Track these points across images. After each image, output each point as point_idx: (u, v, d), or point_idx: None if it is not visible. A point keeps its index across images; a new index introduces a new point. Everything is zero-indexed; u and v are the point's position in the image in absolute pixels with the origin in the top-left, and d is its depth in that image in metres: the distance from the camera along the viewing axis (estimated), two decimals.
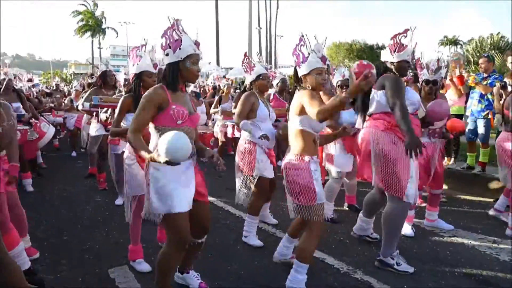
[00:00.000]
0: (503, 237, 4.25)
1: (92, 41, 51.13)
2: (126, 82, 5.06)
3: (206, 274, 3.37)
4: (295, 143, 3.04)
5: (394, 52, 3.52)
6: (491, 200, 5.41)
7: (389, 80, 3.46)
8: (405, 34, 3.51)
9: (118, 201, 5.42)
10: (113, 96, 5.32)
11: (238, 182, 4.17)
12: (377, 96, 3.52)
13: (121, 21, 57.62)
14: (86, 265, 3.62)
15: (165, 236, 3.83)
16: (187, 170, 2.72)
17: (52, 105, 10.03)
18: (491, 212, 4.93)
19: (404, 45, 3.50)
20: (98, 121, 5.94)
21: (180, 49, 2.64)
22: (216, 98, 8.87)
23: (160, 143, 2.34)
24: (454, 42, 47.97)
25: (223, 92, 8.84)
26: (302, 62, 3.01)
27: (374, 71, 3.64)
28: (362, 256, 3.80)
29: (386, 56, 3.59)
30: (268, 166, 4.05)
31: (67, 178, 7.07)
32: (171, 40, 2.65)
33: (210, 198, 5.58)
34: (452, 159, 6.87)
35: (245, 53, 4.51)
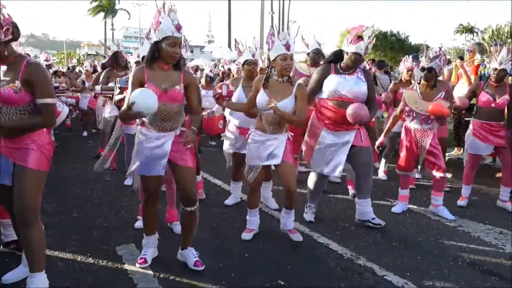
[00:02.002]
0: (510, 228, 4.24)
1: (105, 22, 51.16)
2: (135, 64, 5.10)
3: (210, 255, 3.43)
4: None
5: (350, 44, 3.87)
6: (498, 190, 5.37)
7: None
8: (358, 30, 3.87)
9: (127, 182, 5.49)
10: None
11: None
12: None
13: (134, 3, 57.29)
14: (95, 242, 3.69)
15: (174, 217, 3.96)
16: (165, 142, 3.03)
17: (64, 85, 10.11)
18: (498, 203, 4.92)
19: (357, 40, 3.83)
20: (113, 102, 6.01)
21: (158, 30, 2.88)
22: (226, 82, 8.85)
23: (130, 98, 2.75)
24: (470, 30, 47.09)
25: (233, 76, 8.82)
26: (271, 49, 3.51)
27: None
28: (366, 243, 3.82)
29: (343, 45, 3.98)
30: (236, 141, 4.51)
31: (78, 157, 7.17)
32: (154, 22, 2.92)
33: (217, 182, 5.68)
34: (462, 149, 6.81)
35: (235, 39, 4.65)
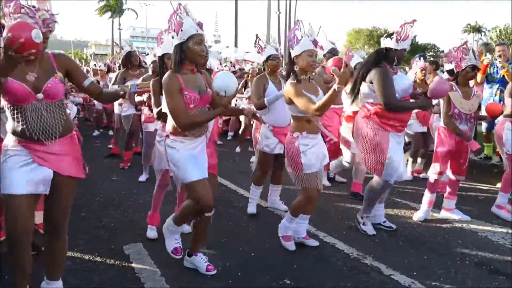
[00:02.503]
0: None
1: (112, 22, 51.41)
2: (152, 64, 5.15)
3: (217, 254, 3.45)
4: (293, 123, 3.50)
5: (400, 41, 3.69)
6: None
7: (377, 75, 3.70)
8: (412, 25, 3.69)
9: (141, 178, 5.67)
10: (141, 77, 5.34)
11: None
12: (363, 88, 3.83)
13: (141, 2, 57.51)
14: (102, 241, 3.72)
15: None
16: (199, 145, 2.96)
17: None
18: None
19: (408, 35, 3.70)
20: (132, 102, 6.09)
21: (182, 30, 2.76)
22: (242, 82, 8.80)
23: (216, 88, 2.79)
24: (478, 29, 46.73)
25: (248, 76, 8.79)
26: (295, 44, 3.33)
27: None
28: (373, 242, 3.82)
29: (390, 44, 3.75)
30: (271, 142, 4.28)
31: (85, 157, 7.06)
32: (175, 23, 2.78)
33: (224, 181, 5.69)
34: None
35: (256, 35, 4.61)
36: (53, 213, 2.53)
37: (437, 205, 4.76)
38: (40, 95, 2.33)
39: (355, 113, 4.36)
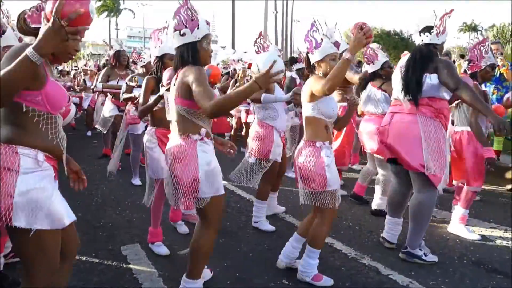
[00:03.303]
0: None
1: (110, 22, 51.34)
2: (144, 63, 5.10)
3: (214, 255, 3.42)
4: (308, 130, 3.01)
5: (440, 34, 3.36)
6: (504, 189, 5.37)
7: (444, 63, 3.29)
8: (450, 15, 3.36)
9: (135, 182, 5.63)
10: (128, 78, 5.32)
11: (246, 165, 4.04)
12: (430, 80, 3.29)
13: (138, 2, 57.37)
14: (100, 242, 3.71)
15: (178, 216, 3.95)
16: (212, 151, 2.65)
17: (70, 84, 10.24)
18: None
19: (446, 27, 3.38)
20: (112, 101, 6.06)
21: (198, 28, 2.53)
22: (232, 81, 8.84)
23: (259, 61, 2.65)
24: (474, 28, 46.82)
25: (238, 76, 8.80)
26: (315, 48, 2.95)
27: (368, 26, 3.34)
28: (371, 242, 3.82)
29: (432, 39, 3.37)
30: (281, 151, 4.06)
31: (82, 157, 7.17)
32: (186, 19, 2.53)
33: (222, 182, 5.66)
34: None
35: (260, 32, 4.52)
36: (73, 234, 2.18)
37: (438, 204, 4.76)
38: (61, 109, 1.94)
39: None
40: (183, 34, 2.52)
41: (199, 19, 2.55)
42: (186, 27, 2.53)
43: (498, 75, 6.14)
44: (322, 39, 2.92)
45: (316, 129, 2.96)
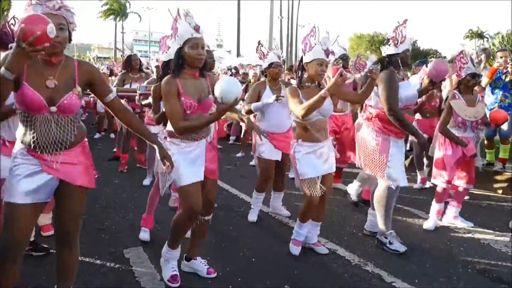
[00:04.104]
0: None
1: (116, 25, 51.65)
2: (155, 68, 5.19)
3: (217, 259, 3.43)
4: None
5: (398, 44, 3.68)
6: (509, 197, 5.33)
7: (383, 78, 3.60)
8: (405, 25, 3.69)
9: (146, 182, 5.71)
10: (146, 82, 5.37)
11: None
12: (376, 90, 3.70)
13: (144, 6, 57.76)
14: (103, 244, 3.71)
15: None
16: (196, 149, 2.90)
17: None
18: None
19: (405, 36, 3.68)
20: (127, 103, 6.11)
21: (178, 36, 2.77)
22: (243, 86, 8.86)
23: (216, 93, 2.66)
24: (480, 35, 46.76)
25: (250, 81, 8.81)
26: (308, 51, 3.31)
27: (348, 75, 3.83)
28: (374, 249, 3.80)
29: (390, 50, 3.72)
30: (268, 148, 4.27)
31: None
32: (174, 30, 2.81)
33: (225, 186, 5.68)
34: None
35: (259, 41, 4.62)
36: (64, 224, 2.41)
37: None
38: (53, 108, 2.18)
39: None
40: (173, 43, 2.87)
41: (179, 26, 2.77)
42: (173, 37, 2.84)
43: (504, 82, 6.10)
44: (315, 44, 3.29)
45: (298, 130, 3.46)
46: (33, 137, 2.19)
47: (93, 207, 4.70)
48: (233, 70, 11.19)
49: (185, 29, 2.74)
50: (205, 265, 3.18)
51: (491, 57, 6.66)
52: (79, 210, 2.43)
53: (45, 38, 1.88)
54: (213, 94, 2.81)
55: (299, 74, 3.46)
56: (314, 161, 3.41)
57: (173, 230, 3.00)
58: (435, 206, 4.42)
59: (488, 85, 6.22)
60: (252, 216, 4.45)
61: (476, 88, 6.26)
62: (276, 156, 4.30)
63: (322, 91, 3.00)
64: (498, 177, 5.98)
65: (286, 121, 4.33)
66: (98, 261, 3.36)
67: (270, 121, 4.30)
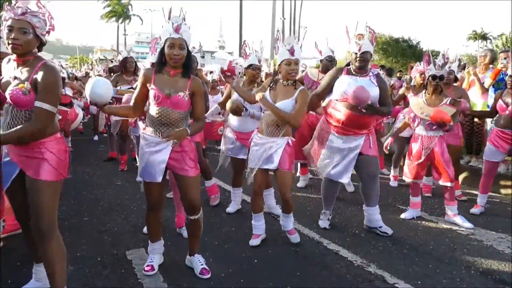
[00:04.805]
0: None
1: (118, 28, 51.77)
2: None
3: (219, 260, 3.43)
4: None
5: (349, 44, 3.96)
6: None
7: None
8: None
9: (139, 178, 5.63)
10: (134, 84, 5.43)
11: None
12: None
13: (146, 8, 57.82)
14: (105, 246, 3.71)
15: (183, 221, 3.96)
16: (162, 148, 2.99)
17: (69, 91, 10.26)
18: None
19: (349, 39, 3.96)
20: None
21: (160, 36, 2.98)
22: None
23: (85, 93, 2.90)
24: (483, 36, 46.64)
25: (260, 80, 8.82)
26: (276, 54, 3.57)
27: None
28: (376, 250, 3.79)
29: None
30: (233, 146, 4.51)
31: (89, 161, 7.22)
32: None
33: (226, 187, 5.67)
34: (474, 157, 6.72)
35: (244, 41, 4.68)
36: (33, 217, 2.49)
37: (441, 214, 4.74)
38: (8, 100, 2.41)
39: None
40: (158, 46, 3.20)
41: (163, 26, 2.91)
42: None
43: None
44: (279, 46, 3.52)
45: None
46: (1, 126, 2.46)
47: (95, 209, 4.71)
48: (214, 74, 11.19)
49: (166, 29, 2.87)
50: (201, 264, 3.21)
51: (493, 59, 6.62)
52: (47, 203, 2.48)
53: None
54: (189, 95, 2.96)
55: (275, 77, 3.71)
56: (259, 153, 3.65)
57: (147, 227, 3.36)
58: (411, 199, 4.75)
59: (491, 86, 6.20)
60: (231, 208, 4.75)
61: (477, 89, 6.25)
62: (244, 155, 4.38)
63: (257, 97, 3.57)
64: (501, 178, 5.95)
65: (250, 122, 4.35)
66: (100, 263, 3.36)
67: (237, 121, 4.45)
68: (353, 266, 3.44)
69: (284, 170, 3.62)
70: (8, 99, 2.39)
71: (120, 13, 50.89)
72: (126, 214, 4.56)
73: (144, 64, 6.17)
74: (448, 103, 4.34)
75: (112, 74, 7.14)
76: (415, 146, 4.52)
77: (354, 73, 3.93)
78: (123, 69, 6.39)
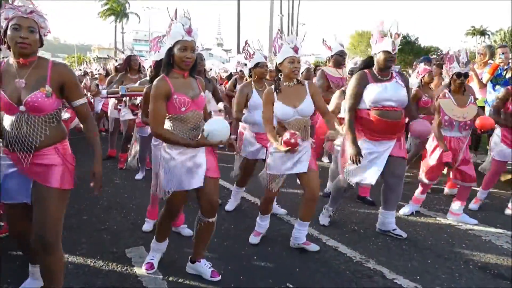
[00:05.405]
0: None
1: (116, 26, 51.67)
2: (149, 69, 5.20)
3: (219, 258, 3.44)
4: None
5: (375, 44, 3.78)
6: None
7: (349, 83, 3.88)
8: (380, 26, 3.78)
9: (138, 176, 5.95)
10: (138, 82, 5.41)
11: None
12: None
13: (144, 6, 57.72)
14: (104, 244, 3.71)
15: (181, 220, 3.97)
16: (197, 153, 2.89)
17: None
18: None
19: (383, 36, 3.73)
20: (125, 106, 6.14)
21: (169, 36, 2.82)
22: (232, 80, 8.93)
23: (205, 128, 2.73)
24: (482, 32, 46.62)
25: (245, 79, 8.81)
26: (278, 52, 3.44)
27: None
28: (376, 246, 3.80)
29: (372, 49, 3.84)
30: (253, 149, 4.40)
31: (87, 160, 7.16)
32: (168, 29, 2.89)
33: (226, 184, 5.68)
34: (473, 152, 6.74)
35: (246, 40, 4.64)
36: (37, 227, 2.34)
37: (440, 209, 4.75)
38: (22, 108, 2.27)
39: None
40: (165, 42, 2.90)
41: (173, 26, 2.82)
42: (168, 36, 2.89)
43: (505, 79, 6.08)
44: (282, 44, 3.42)
45: (277, 126, 3.54)
46: (6, 136, 2.31)
47: (94, 207, 4.71)
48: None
49: (177, 30, 2.78)
50: (209, 267, 3.15)
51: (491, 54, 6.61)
52: (55, 213, 2.37)
53: None
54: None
55: (276, 78, 3.50)
56: (284, 160, 3.47)
57: (158, 227, 3.22)
58: (417, 196, 4.71)
59: (490, 82, 6.21)
60: (230, 206, 4.73)
61: (475, 85, 6.27)
62: (263, 155, 4.29)
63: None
64: (501, 175, 5.95)
65: None
66: (99, 261, 3.36)
67: (257, 122, 4.26)
68: (352, 262, 3.45)
69: (315, 170, 3.52)
70: (23, 107, 2.27)
71: (118, 11, 50.76)
72: (125, 212, 4.57)
73: (145, 64, 6.14)
74: (472, 102, 4.31)
75: (117, 73, 7.13)
76: (435, 147, 4.39)
77: (378, 76, 3.75)
78: (128, 68, 6.36)
